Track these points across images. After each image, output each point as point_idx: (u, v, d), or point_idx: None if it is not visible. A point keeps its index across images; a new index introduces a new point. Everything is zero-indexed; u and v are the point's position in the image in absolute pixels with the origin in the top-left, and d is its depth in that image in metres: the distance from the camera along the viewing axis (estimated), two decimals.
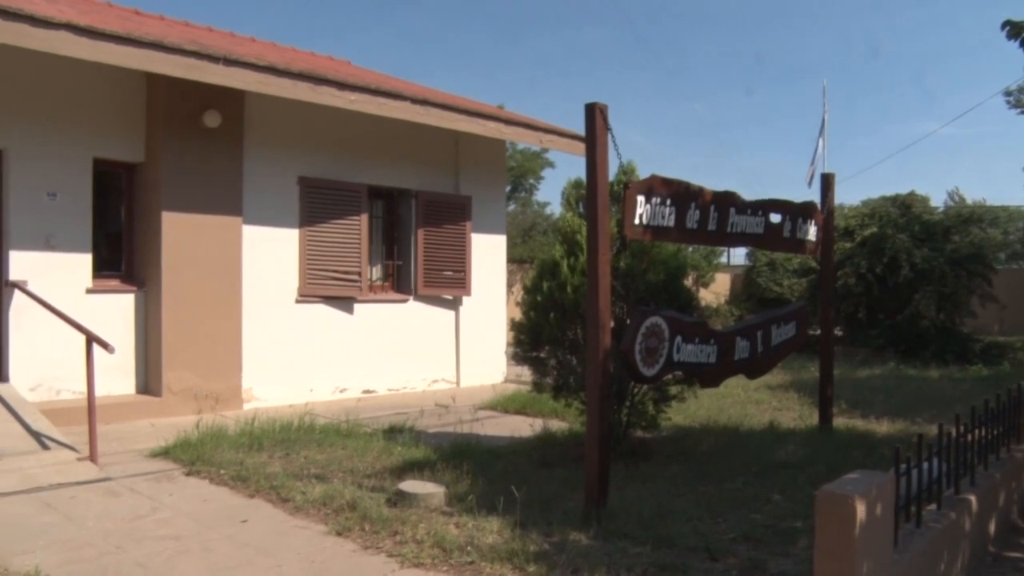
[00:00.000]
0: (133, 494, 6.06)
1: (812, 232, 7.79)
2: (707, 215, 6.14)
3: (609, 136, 5.31)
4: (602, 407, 5.27)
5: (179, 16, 12.14)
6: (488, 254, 12.66)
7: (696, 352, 5.96)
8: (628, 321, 5.92)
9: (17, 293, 8.58)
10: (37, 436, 7.22)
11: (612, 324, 5.42)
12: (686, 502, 5.67)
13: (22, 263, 8.68)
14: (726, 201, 6.42)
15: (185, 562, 4.67)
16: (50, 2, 8.86)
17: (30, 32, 7.48)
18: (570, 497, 5.66)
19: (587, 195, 5.36)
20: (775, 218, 7.17)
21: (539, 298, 7.24)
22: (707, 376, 6.34)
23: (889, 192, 18.80)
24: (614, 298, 5.58)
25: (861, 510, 3.24)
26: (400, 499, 5.53)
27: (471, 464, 6.42)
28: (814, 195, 8.20)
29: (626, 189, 5.35)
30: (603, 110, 5.29)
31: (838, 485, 3.42)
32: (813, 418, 8.78)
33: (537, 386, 7.73)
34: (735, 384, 10.05)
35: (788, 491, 5.97)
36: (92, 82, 9.05)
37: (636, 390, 7.14)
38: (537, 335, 7.34)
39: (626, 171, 6.23)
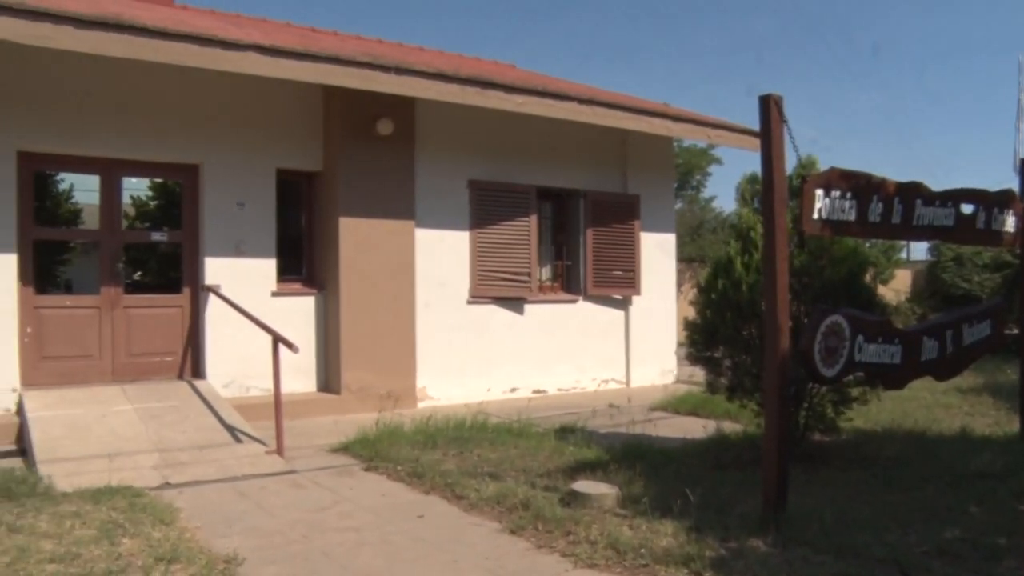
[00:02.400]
0: (316, 487, 6.33)
1: (1010, 223, 7.21)
2: (891, 207, 5.81)
3: (785, 128, 5.11)
4: (780, 408, 5.08)
5: (351, 31, 12.66)
6: (657, 253, 12.49)
7: (879, 352, 5.64)
8: (806, 320, 5.69)
9: (212, 297, 9.18)
10: (231, 430, 7.70)
11: (790, 323, 5.21)
12: (870, 510, 5.37)
13: (215, 269, 9.29)
14: (911, 192, 6.05)
15: (366, 554, 4.82)
16: (236, 26, 9.45)
17: (223, 55, 8.02)
18: (746, 501, 5.47)
19: (762, 190, 5.18)
20: (967, 209, 6.69)
21: (713, 297, 7.08)
22: (891, 377, 5.99)
23: None
24: (791, 296, 5.36)
25: None
26: (573, 499, 5.52)
27: (644, 465, 6.33)
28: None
29: (804, 183, 5.14)
30: (778, 101, 5.10)
31: None
32: (1012, 425, 8.13)
33: (711, 386, 7.56)
34: (921, 386, 9.43)
35: (987, 504, 5.53)
36: (274, 97, 9.56)
37: (814, 391, 6.85)
38: (711, 335, 7.18)
39: (804, 164, 6.00)
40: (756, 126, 5.20)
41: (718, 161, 33.31)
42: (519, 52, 65.07)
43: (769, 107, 5.07)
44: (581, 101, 10.46)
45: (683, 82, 57.94)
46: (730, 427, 8.27)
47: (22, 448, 7.43)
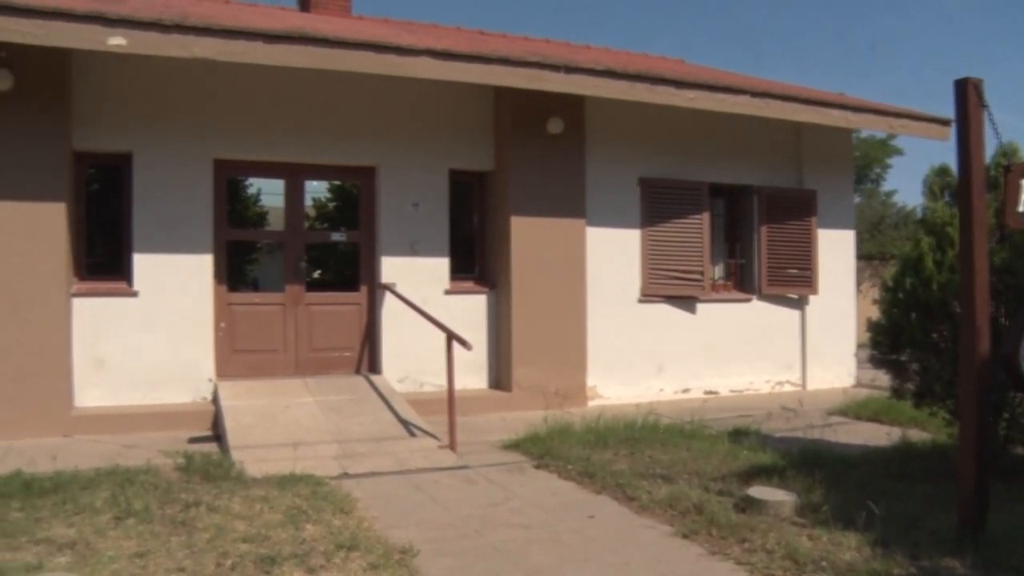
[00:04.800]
0: (488, 483, 6.41)
1: None
2: None
3: (985, 114, 4.74)
4: (979, 418, 4.72)
5: (519, 32, 12.81)
6: (835, 250, 11.95)
7: None
8: (1008, 322, 5.27)
9: (388, 294, 9.49)
10: (405, 424, 7.93)
11: (989, 326, 4.84)
12: None
13: (391, 267, 9.59)
14: None
15: (536, 551, 4.83)
16: (409, 32, 9.74)
17: (397, 61, 8.28)
18: (938, 517, 5.13)
19: (959, 182, 4.82)
20: None
21: (900, 296, 6.68)
22: None
23: None
24: (990, 296, 4.97)
25: None
26: (748, 505, 5.35)
27: (822, 472, 6.05)
28: None
29: (1007, 173, 4.74)
30: (977, 85, 4.74)
31: None
32: None
33: (895, 392, 7.14)
34: None
35: None
36: (446, 99, 9.77)
37: (1017, 400, 6.34)
38: (897, 336, 6.77)
39: (1006, 152, 5.55)
40: (943, 112, 4.87)
41: (899, 152, 31.64)
42: (687, 47, 64.01)
43: (967, 92, 4.72)
44: (754, 94, 10.13)
45: (862, 70, 55.23)
46: (917, 435, 7.80)
47: (217, 434, 7.94)
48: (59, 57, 7.91)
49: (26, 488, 5.63)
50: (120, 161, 8.76)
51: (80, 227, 8.65)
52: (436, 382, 9.36)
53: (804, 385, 11.70)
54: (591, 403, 10.05)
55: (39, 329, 7.95)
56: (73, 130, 8.30)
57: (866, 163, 31.21)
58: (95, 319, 8.46)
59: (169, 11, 7.92)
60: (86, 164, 8.80)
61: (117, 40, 7.28)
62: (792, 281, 11.62)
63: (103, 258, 8.96)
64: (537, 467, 6.87)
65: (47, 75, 7.98)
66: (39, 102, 7.95)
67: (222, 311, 9.10)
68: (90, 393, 8.42)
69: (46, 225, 7.99)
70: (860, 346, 12.46)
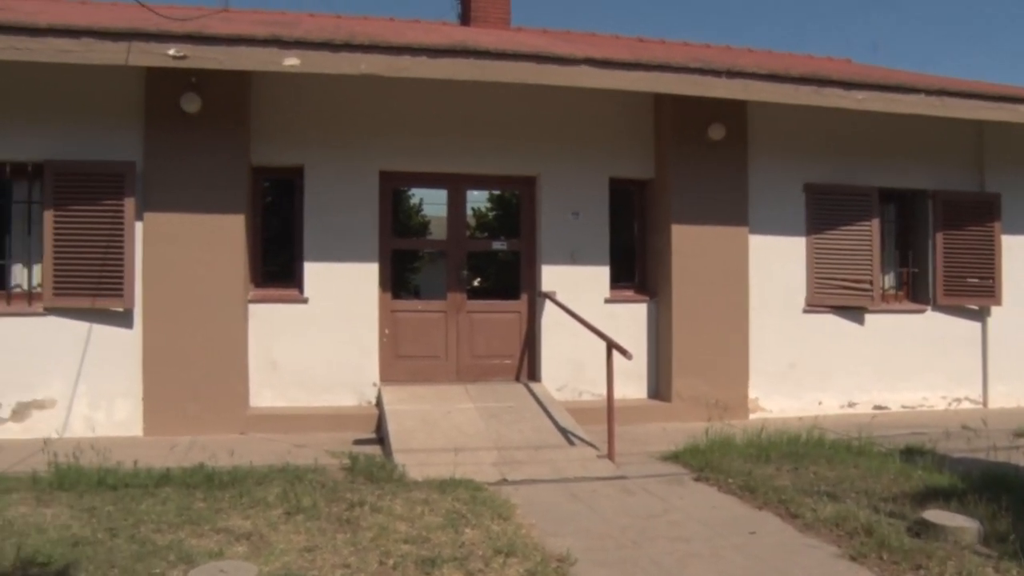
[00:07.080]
0: (646, 494, 6.34)
1: None
2: None
3: None
4: None
5: (677, 37, 12.65)
6: (1022, 258, 11.14)
7: None
8: None
9: (547, 303, 9.55)
10: (564, 432, 7.94)
11: None
12: None
13: (551, 276, 9.67)
14: None
15: (695, 566, 4.74)
16: (567, 42, 9.82)
17: (558, 71, 8.38)
18: None
19: None
20: None
21: None
22: None
23: None
24: None
25: None
26: (923, 529, 5.06)
27: (1010, 499, 5.62)
28: None
29: None
30: None
31: None
32: None
33: None
34: None
35: None
36: (605, 108, 9.76)
37: None
38: None
39: None
40: None
41: None
42: (852, 46, 61.47)
43: None
44: (929, 92, 9.58)
45: None
46: None
47: (380, 437, 8.22)
48: (240, 79, 8.48)
49: (208, 480, 6.08)
50: (292, 174, 9.24)
51: (256, 237, 9.18)
52: (595, 391, 9.36)
53: (985, 403, 10.96)
54: (752, 415, 9.78)
55: (220, 333, 8.50)
56: (251, 146, 8.83)
57: None
58: (269, 324, 8.94)
59: (339, 31, 8.31)
60: (262, 178, 9.33)
61: (292, 61, 7.74)
62: (971, 291, 10.92)
63: (276, 266, 9.47)
64: (697, 480, 6.75)
65: (230, 97, 8.56)
66: (222, 122, 8.54)
67: (386, 318, 9.41)
68: (264, 394, 8.90)
69: (227, 236, 8.54)
70: None
